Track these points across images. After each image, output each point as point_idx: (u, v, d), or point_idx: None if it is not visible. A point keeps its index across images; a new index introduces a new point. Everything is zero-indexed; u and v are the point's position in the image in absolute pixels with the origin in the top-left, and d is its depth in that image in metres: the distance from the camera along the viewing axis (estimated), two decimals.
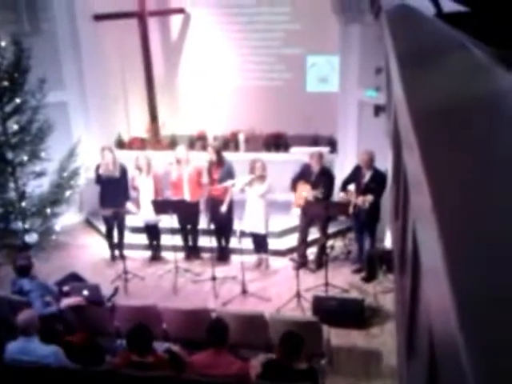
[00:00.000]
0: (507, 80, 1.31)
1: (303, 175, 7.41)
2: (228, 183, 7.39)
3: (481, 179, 1.03)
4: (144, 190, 7.72)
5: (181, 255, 7.96)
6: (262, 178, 7.28)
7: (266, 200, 7.43)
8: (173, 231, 7.70)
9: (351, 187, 7.06)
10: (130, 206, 7.86)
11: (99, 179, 7.70)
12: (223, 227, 7.84)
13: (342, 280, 7.28)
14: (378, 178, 6.98)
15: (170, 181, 7.78)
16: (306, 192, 7.19)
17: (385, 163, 6.75)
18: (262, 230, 7.46)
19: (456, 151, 1.19)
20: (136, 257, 8.15)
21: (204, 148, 9.27)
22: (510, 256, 0.80)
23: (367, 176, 7.08)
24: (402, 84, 1.93)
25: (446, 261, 0.80)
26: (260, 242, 7.69)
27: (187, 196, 7.62)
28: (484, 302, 0.72)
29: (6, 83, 7.26)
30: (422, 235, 1.27)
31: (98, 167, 7.71)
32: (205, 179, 7.62)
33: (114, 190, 7.65)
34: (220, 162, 7.59)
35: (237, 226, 7.32)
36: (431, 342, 1.11)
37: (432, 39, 2.40)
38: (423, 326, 1.44)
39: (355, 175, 7.21)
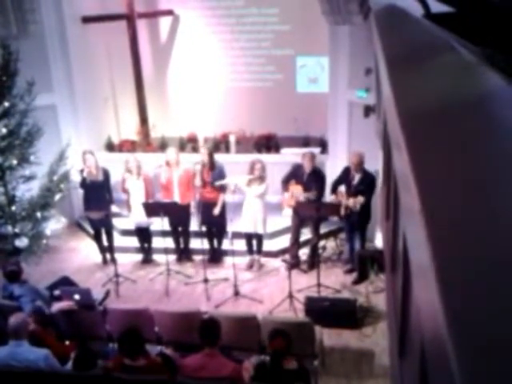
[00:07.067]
0: (494, 80, 1.32)
1: (295, 175, 7.41)
2: (224, 182, 7.35)
3: (469, 178, 1.04)
4: (135, 192, 7.70)
5: (172, 258, 7.93)
6: (261, 178, 7.29)
7: (264, 201, 7.45)
8: (164, 234, 7.68)
9: (342, 189, 7.06)
10: (114, 208, 7.89)
11: (84, 183, 7.70)
12: (217, 229, 7.83)
13: (334, 280, 7.30)
14: (368, 180, 6.99)
15: (160, 183, 7.77)
16: (297, 192, 7.20)
17: (375, 164, 6.79)
18: (260, 230, 7.47)
19: (444, 151, 1.20)
20: (127, 260, 8.11)
21: (195, 150, 9.27)
22: (498, 255, 0.80)
23: (357, 178, 7.06)
24: (391, 84, 1.93)
25: (434, 261, 0.81)
26: (255, 243, 7.69)
27: (177, 198, 7.60)
28: (472, 301, 0.72)
29: None
30: (411, 235, 1.27)
31: (81, 171, 7.70)
32: (197, 181, 7.59)
33: (98, 194, 7.69)
34: (212, 164, 7.59)
35: (229, 227, 7.31)
36: (423, 342, 1.11)
37: (420, 40, 2.41)
38: (415, 325, 1.44)
39: (345, 177, 7.21)
